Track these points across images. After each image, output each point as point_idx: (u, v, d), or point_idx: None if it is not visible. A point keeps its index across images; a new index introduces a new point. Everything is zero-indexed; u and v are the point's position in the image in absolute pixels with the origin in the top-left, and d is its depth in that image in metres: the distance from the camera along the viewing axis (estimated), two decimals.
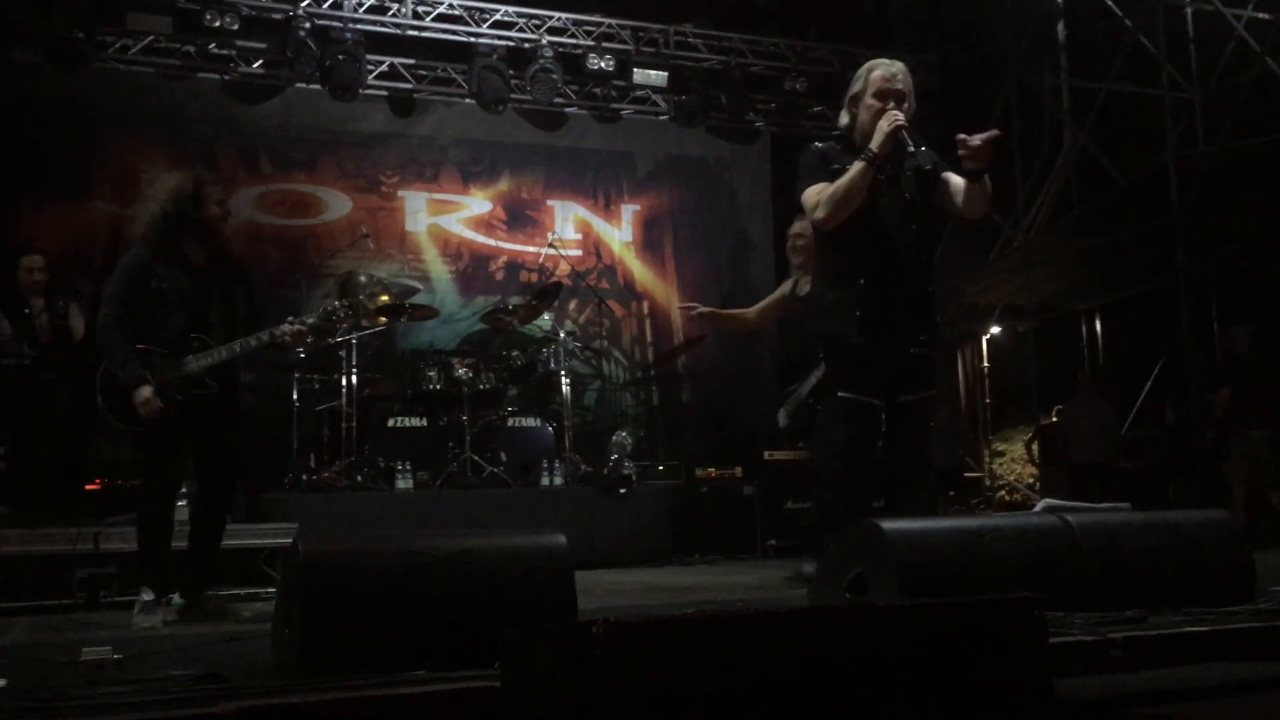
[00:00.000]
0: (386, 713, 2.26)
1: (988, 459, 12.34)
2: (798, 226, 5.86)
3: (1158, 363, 10.16)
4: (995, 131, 3.80)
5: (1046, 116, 10.48)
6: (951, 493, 10.83)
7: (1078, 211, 9.98)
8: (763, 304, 6.19)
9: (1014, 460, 12.25)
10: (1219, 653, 2.79)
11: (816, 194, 3.93)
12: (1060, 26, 10.74)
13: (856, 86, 4.07)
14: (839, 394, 3.94)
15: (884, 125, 3.83)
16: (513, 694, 2.02)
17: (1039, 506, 3.41)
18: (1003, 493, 12.06)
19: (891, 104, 3.90)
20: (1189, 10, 9.90)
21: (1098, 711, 2.22)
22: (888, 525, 3.06)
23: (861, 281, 3.89)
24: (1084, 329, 11.66)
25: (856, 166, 3.84)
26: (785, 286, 6.01)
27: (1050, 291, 11.04)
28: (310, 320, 5.04)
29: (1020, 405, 11.95)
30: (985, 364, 12.61)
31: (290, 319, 4.97)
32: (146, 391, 4.50)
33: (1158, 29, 9.24)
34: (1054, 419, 10.69)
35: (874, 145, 3.84)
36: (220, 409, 4.76)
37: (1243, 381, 8.25)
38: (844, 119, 4.14)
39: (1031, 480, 11.61)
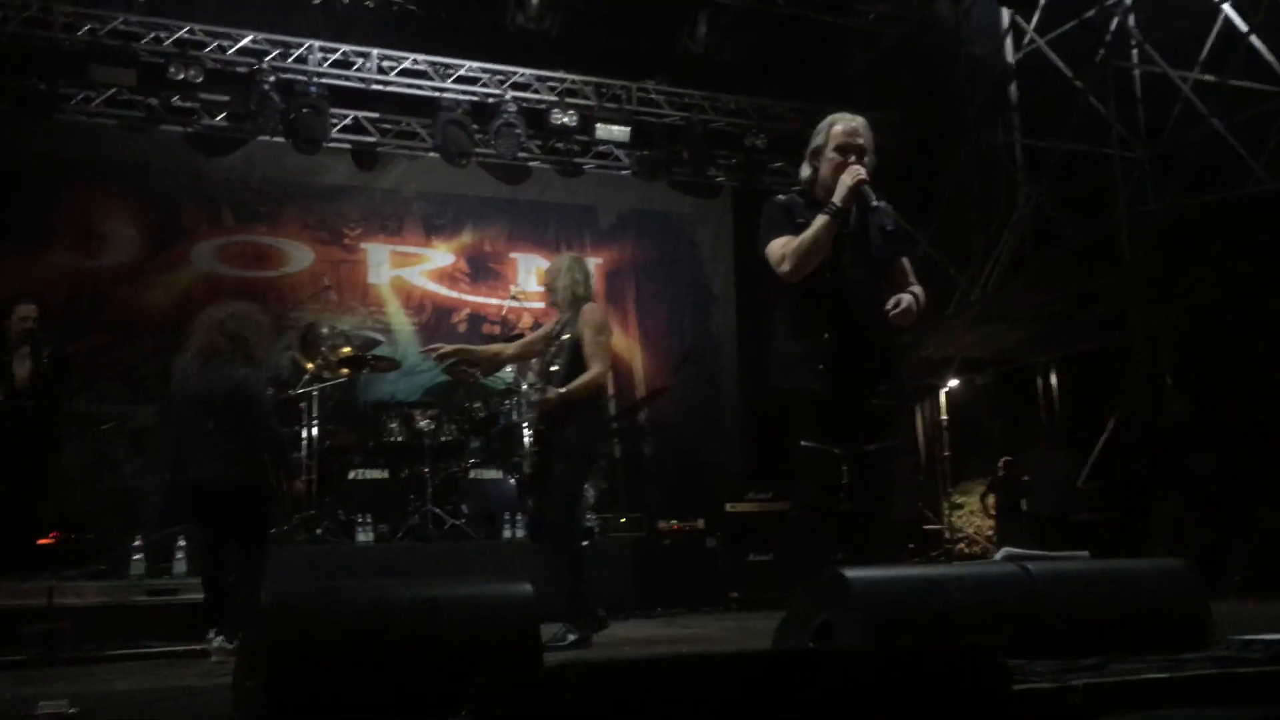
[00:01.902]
0: None
1: (947, 511, 12.40)
2: (552, 266, 5.88)
3: (1112, 416, 10.30)
4: (908, 300, 3.90)
5: (1002, 174, 10.70)
6: (911, 545, 10.88)
7: (1033, 267, 10.16)
8: (526, 339, 6.17)
9: (973, 512, 12.32)
10: (1178, 699, 2.82)
11: (781, 247, 3.97)
12: (1013, 87, 11.01)
13: (818, 140, 4.13)
14: (802, 444, 3.97)
15: (846, 179, 3.90)
16: None
17: (1000, 555, 3.45)
18: (962, 545, 12.13)
19: (853, 158, 3.98)
20: (1137, 72, 10.18)
21: None
22: (852, 573, 3.08)
23: (826, 335, 3.93)
24: (1040, 382, 11.80)
25: (820, 220, 3.89)
26: (548, 326, 5.92)
27: (1006, 345, 11.19)
28: None
29: (979, 457, 12.05)
30: (944, 416, 12.71)
31: None
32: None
33: (1108, 90, 9.49)
34: (1000, 471, 10.81)
35: (836, 199, 3.90)
36: None
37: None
38: (805, 172, 4.19)
39: (990, 533, 11.68)
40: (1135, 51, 10.01)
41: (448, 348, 5.96)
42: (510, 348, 6.20)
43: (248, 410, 5.34)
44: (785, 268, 3.94)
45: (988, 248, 10.52)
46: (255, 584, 5.32)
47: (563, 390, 5.32)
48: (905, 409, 12.34)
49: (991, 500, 10.95)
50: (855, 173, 3.90)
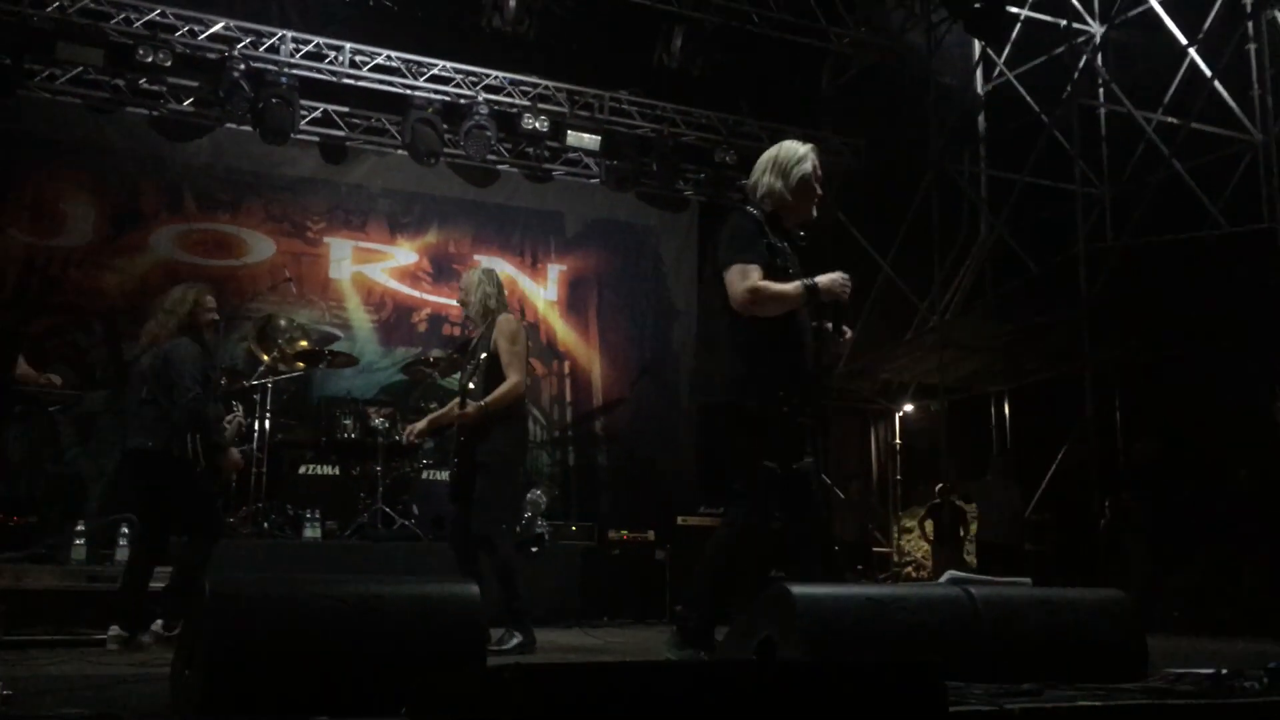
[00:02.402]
0: None
1: (896, 535, 12.51)
2: (464, 280, 5.85)
3: (1062, 448, 10.44)
4: (850, 334, 4.19)
5: (965, 203, 10.84)
6: (859, 566, 10.95)
7: (991, 297, 10.30)
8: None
9: (922, 537, 12.44)
10: None
11: (751, 278, 3.92)
12: (981, 119, 11.17)
13: (799, 165, 4.15)
14: (765, 464, 3.97)
15: (839, 287, 4.03)
16: None
17: (944, 578, 3.49)
18: (910, 569, 12.23)
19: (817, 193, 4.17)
20: (1102, 111, 10.37)
21: None
22: (796, 590, 3.10)
23: (784, 359, 3.98)
24: (993, 411, 11.95)
25: (798, 289, 3.96)
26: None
27: (962, 373, 11.32)
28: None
29: (930, 482, 12.16)
30: (897, 440, 12.83)
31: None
32: (235, 454, 5.75)
33: (1073, 127, 9.66)
34: (936, 498, 10.94)
35: (823, 285, 4.00)
36: None
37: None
38: (775, 185, 4.14)
39: (969, 559, 11.77)
40: (1101, 90, 10.19)
41: (420, 425, 5.93)
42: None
43: (173, 380, 5.27)
44: (751, 305, 3.91)
45: (948, 275, 10.65)
46: (191, 570, 5.25)
47: (482, 403, 5.32)
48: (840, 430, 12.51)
49: (930, 526, 11.06)
50: (845, 288, 4.06)
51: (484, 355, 5.47)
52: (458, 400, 5.47)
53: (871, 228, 11.21)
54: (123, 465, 5.85)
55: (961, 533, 11.11)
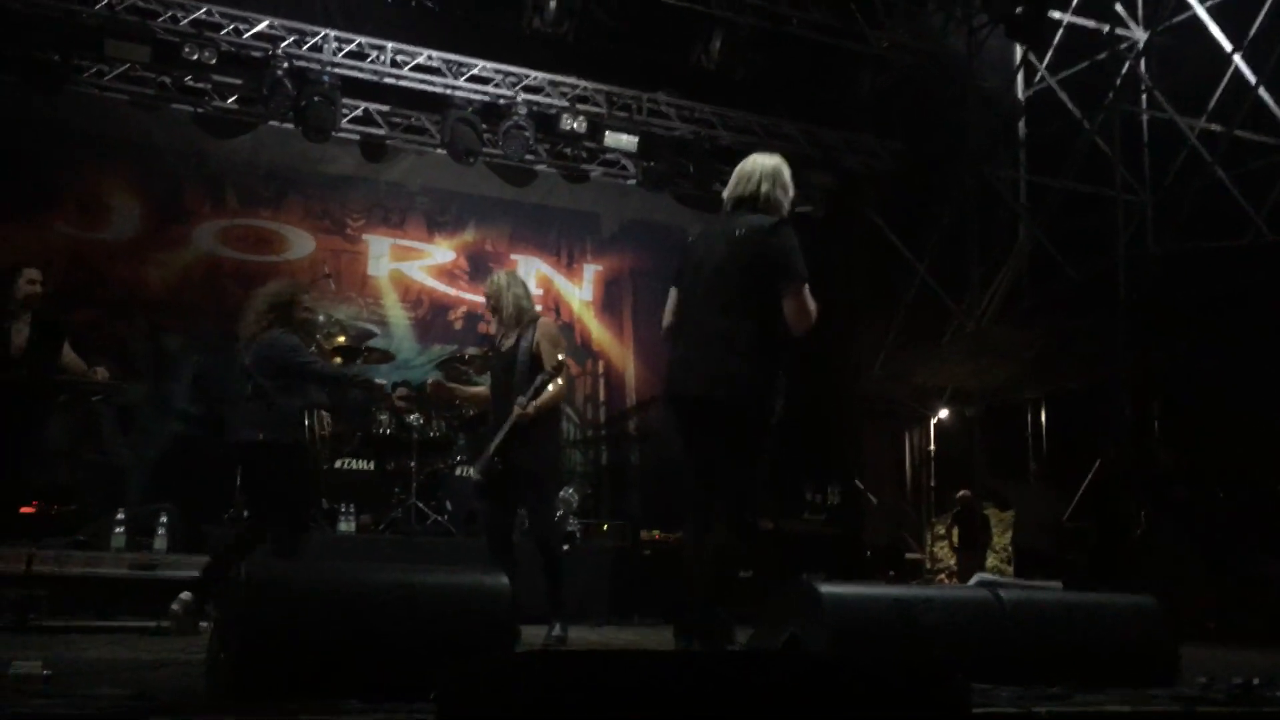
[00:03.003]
0: None
1: (928, 541, 12.44)
2: (491, 286, 5.82)
3: (1098, 455, 10.35)
4: None
5: (1003, 208, 10.76)
6: (891, 572, 10.91)
7: (1028, 303, 10.22)
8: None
9: (949, 544, 12.36)
10: None
11: (810, 296, 4.08)
12: (1021, 124, 11.09)
13: (788, 177, 4.39)
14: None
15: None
16: None
17: (974, 581, 3.49)
18: (942, 575, 12.15)
19: None
20: (1145, 117, 10.26)
21: None
22: (825, 588, 3.12)
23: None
24: (1029, 417, 11.85)
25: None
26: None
27: (998, 379, 11.24)
28: None
29: (962, 488, 12.08)
30: (931, 446, 12.75)
31: None
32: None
33: (1114, 133, 9.57)
34: (957, 506, 10.88)
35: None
36: None
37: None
38: (780, 198, 4.32)
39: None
40: (1144, 96, 10.09)
41: (434, 379, 6.29)
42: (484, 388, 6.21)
43: (279, 373, 5.42)
44: (810, 324, 4.07)
45: (985, 280, 10.58)
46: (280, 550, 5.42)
47: (534, 405, 5.35)
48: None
49: (956, 533, 11.00)
50: None
51: (524, 354, 5.50)
52: (481, 390, 5.56)
53: (908, 232, 11.16)
54: (231, 457, 6.04)
55: (985, 540, 11.06)
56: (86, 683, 3.00)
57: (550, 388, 5.40)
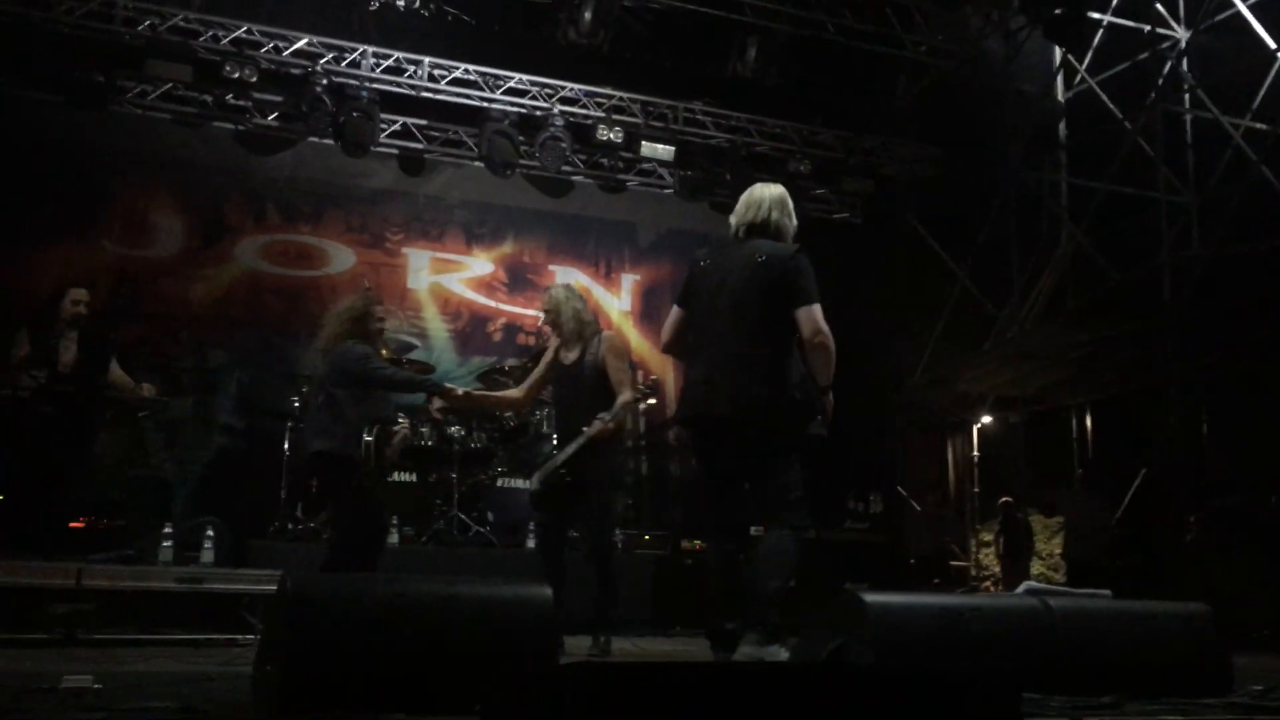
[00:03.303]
0: None
1: (974, 548, 12.31)
2: (549, 300, 5.86)
3: (1146, 461, 10.20)
4: None
5: (1045, 212, 10.65)
6: (936, 580, 10.81)
7: (1071, 307, 10.10)
8: (531, 380, 6.10)
9: (995, 552, 12.22)
10: None
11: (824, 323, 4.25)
12: (1062, 126, 10.98)
13: (792, 205, 4.56)
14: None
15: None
16: None
17: (1021, 589, 3.45)
18: (988, 583, 12.02)
19: None
20: (1188, 117, 10.13)
21: None
22: (870, 597, 3.09)
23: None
24: (1074, 423, 11.71)
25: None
26: (548, 356, 5.88)
27: (1041, 384, 11.12)
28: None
29: (1002, 496, 11.95)
30: (975, 453, 12.64)
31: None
32: (449, 387, 5.98)
33: (1157, 133, 9.45)
34: (1000, 514, 10.78)
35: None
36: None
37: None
38: (789, 225, 4.53)
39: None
40: (1187, 96, 9.96)
41: (461, 391, 6.25)
42: (521, 392, 6.25)
43: (351, 382, 5.54)
44: (826, 345, 4.22)
45: (1027, 285, 10.47)
46: (329, 563, 5.55)
47: (610, 420, 5.35)
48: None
49: (1001, 542, 10.89)
50: None
51: (589, 367, 5.50)
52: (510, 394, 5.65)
53: (948, 237, 11.08)
54: (309, 467, 6.35)
55: (1029, 547, 10.95)
56: (136, 696, 3.02)
57: (620, 402, 5.41)
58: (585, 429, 5.32)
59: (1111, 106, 10.04)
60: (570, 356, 5.62)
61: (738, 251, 4.44)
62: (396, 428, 6.11)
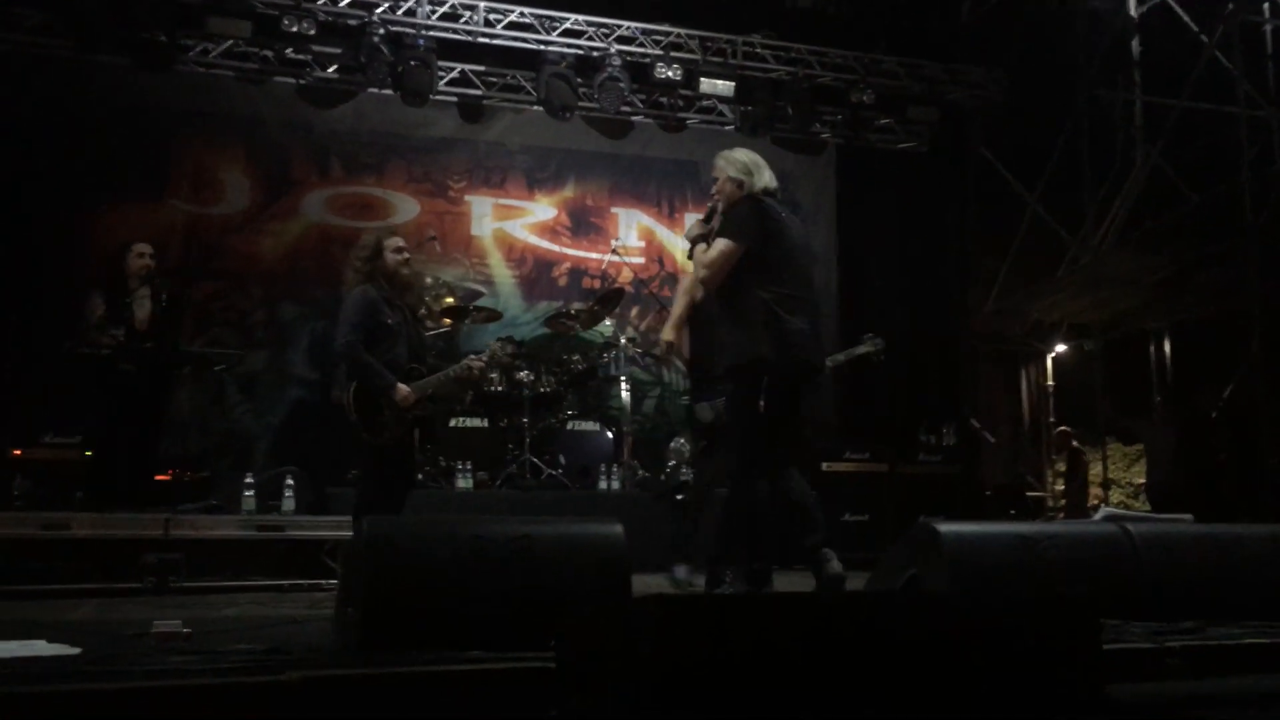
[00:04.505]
0: (444, 689, 2.32)
1: (1050, 479, 12.18)
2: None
3: (1228, 386, 9.97)
4: None
5: (1118, 133, 10.35)
6: (1012, 511, 10.71)
7: (1148, 230, 9.83)
8: (677, 317, 6.13)
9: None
10: (1278, 665, 2.75)
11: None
12: (1135, 43, 10.61)
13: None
14: None
15: None
16: (568, 671, 2.06)
17: (1100, 515, 3.39)
18: (1063, 513, 11.90)
19: None
20: (1268, 27, 9.74)
21: (1151, 714, 2.21)
22: (943, 528, 3.06)
23: None
24: (1152, 349, 11.46)
25: None
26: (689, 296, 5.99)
27: (1118, 310, 10.89)
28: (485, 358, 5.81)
29: (1085, 426, 11.78)
30: (1049, 382, 12.44)
31: (473, 355, 5.94)
32: (404, 389, 5.26)
33: (1235, 46, 9.10)
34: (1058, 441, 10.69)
35: None
36: (427, 428, 5.57)
37: None
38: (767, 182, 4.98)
39: (1096, 502, 11.44)
40: (1266, 5, 9.57)
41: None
42: (671, 332, 6.23)
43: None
44: None
45: (1101, 209, 10.21)
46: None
47: None
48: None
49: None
50: None
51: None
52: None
53: (1017, 163, 10.83)
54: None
55: (1083, 474, 10.90)
56: (224, 639, 3.11)
57: None
58: None
59: (1187, 19, 9.67)
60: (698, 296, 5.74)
61: (790, 214, 4.92)
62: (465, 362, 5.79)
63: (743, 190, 4.88)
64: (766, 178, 4.89)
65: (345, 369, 5.32)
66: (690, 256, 5.00)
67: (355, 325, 5.28)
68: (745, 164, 4.93)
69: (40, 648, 2.84)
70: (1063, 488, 11.15)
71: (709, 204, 5.12)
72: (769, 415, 4.47)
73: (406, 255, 5.55)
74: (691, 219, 11.57)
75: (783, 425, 4.57)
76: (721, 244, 4.74)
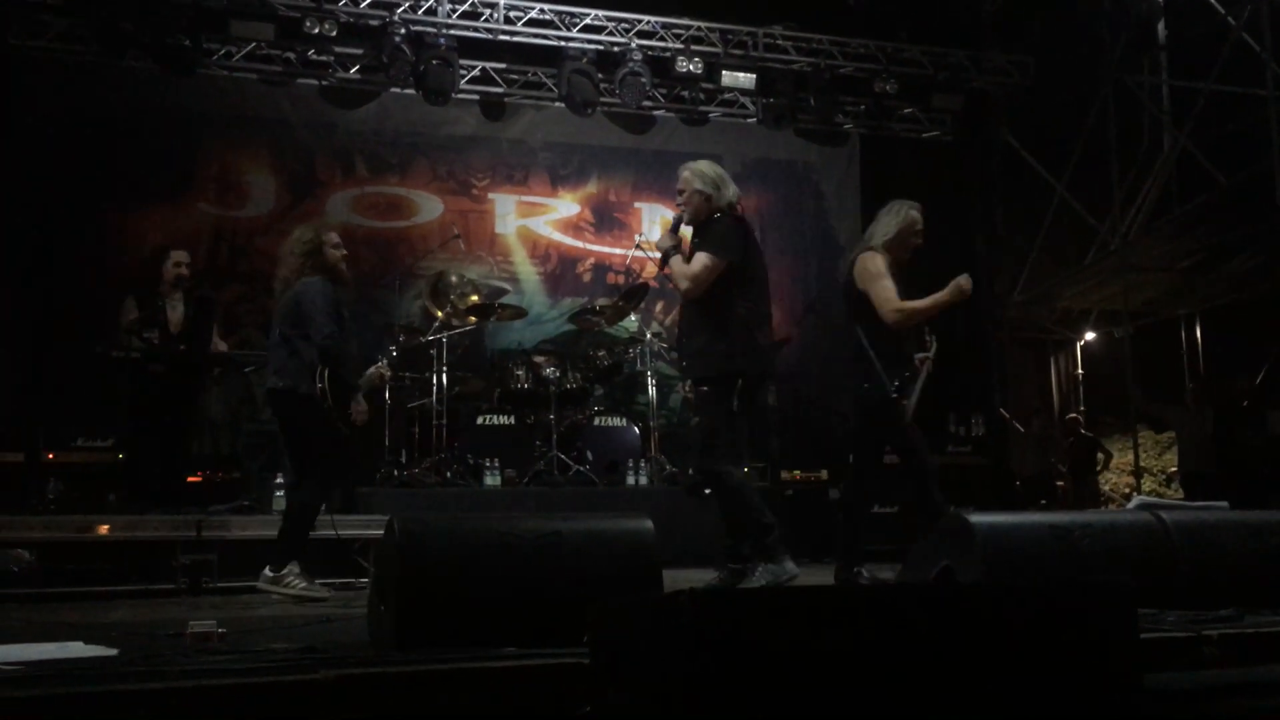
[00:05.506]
0: (479, 686, 2.33)
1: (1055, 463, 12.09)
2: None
3: (1260, 371, 9.87)
4: None
5: (1145, 117, 10.25)
6: (1043, 501, 10.66)
7: (1177, 215, 9.74)
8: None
9: (1108, 469, 12.00)
10: None
11: None
12: (1161, 26, 10.50)
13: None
14: None
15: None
16: (601, 666, 2.06)
17: (1134, 503, 3.37)
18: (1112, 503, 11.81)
19: None
20: None
21: (1189, 703, 2.19)
22: (975, 518, 3.05)
23: None
24: (1183, 335, 11.36)
25: None
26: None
27: (1147, 297, 10.80)
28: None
29: (1115, 414, 11.69)
30: (1079, 370, 12.36)
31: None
32: (362, 405, 5.52)
33: (1263, 28, 8.99)
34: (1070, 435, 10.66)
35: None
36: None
37: None
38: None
39: (1127, 490, 11.36)
40: None
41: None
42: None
43: (307, 319, 5.23)
44: None
45: (1129, 195, 10.12)
46: (301, 513, 5.27)
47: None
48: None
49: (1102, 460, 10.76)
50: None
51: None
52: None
53: (1043, 150, 10.74)
54: (267, 404, 6.02)
55: (1091, 463, 10.87)
56: (259, 639, 3.14)
57: None
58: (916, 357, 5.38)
59: (1213, 1, 9.56)
60: None
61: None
62: (375, 367, 5.80)
63: (710, 204, 5.00)
64: (731, 192, 5.03)
65: (320, 359, 5.19)
66: (662, 268, 5.15)
67: (331, 316, 5.24)
68: (712, 178, 5.02)
69: (78, 649, 2.87)
70: (1065, 470, 11.12)
71: (674, 215, 5.33)
72: (748, 413, 5.01)
73: (344, 252, 5.60)
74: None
75: (745, 421, 5.03)
76: (705, 258, 4.87)
